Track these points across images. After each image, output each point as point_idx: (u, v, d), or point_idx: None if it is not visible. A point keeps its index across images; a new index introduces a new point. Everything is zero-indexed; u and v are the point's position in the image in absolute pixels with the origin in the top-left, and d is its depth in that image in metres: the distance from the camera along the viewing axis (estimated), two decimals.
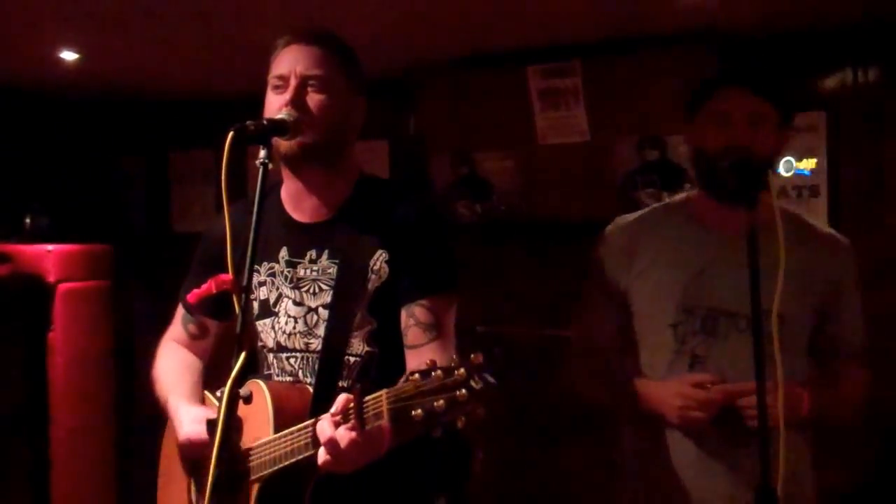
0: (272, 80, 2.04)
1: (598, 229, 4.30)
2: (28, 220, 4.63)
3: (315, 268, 2.06)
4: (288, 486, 1.85)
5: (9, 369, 4.00)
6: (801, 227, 2.25)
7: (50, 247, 4.08)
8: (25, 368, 4.02)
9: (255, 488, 1.88)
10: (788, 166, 3.92)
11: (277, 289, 2.11)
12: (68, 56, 4.22)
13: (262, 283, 2.13)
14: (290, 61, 2.02)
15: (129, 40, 3.97)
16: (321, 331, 2.03)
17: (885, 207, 3.87)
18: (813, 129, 3.92)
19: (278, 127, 1.87)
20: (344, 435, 1.65)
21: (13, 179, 4.98)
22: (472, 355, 1.51)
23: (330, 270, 2.04)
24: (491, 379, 1.48)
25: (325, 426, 1.69)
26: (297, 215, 2.13)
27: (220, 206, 1.80)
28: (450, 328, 1.99)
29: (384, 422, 1.57)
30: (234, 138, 1.75)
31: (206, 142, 5.20)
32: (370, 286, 2.00)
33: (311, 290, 2.06)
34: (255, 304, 2.14)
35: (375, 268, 2.00)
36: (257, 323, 2.14)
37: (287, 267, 2.10)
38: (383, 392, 1.58)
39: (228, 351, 1.71)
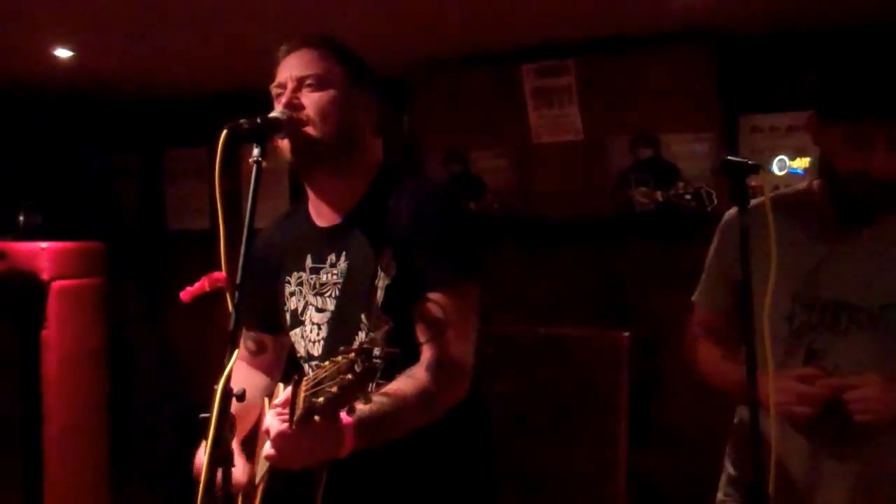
0: (273, 90, 2.04)
1: (591, 227, 4.36)
2: (21, 218, 4.63)
3: (335, 271, 2.04)
4: (294, 487, 1.85)
5: (2, 367, 4.00)
6: None
7: (43, 244, 4.07)
8: (19, 366, 4.02)
9: (259, 490, 1.89)
10: (782, 165, 3.92)
11: (304, 297, 2.10)
12: (62, 53, 4.21)
13: (291, 294, 2.13)
14: (287, 68, 2.03)
15: (123, 38, 3.96)
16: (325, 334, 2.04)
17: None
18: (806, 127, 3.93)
19: (272, 125, 1.87)
20: (276, 427, 1.69)
21: (6, 177, 4.98)
22: (371, 335, 1.53)
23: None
24: (376, 361, 1.48)
25: (266, 422, 1.72)
26: (318, 221, 2.13)
27: (214, 203, 1.81)
28: (460, 321, 1.92)
29: (300, 411, 1.59)
30: (227, 136, 1.75)
31: (201, 139, 5.20)
32: (379, 285, 1.95)
33: (333, 295, 2.04)
34: (287, 316, 2.14)
35: (384, 265, 1.95)
36: (290, 334, 2.15)
37: (311, 274, 2.09)
38: (303, 381, 1.61)
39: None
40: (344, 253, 2.04)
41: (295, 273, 2.13)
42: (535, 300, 4.55)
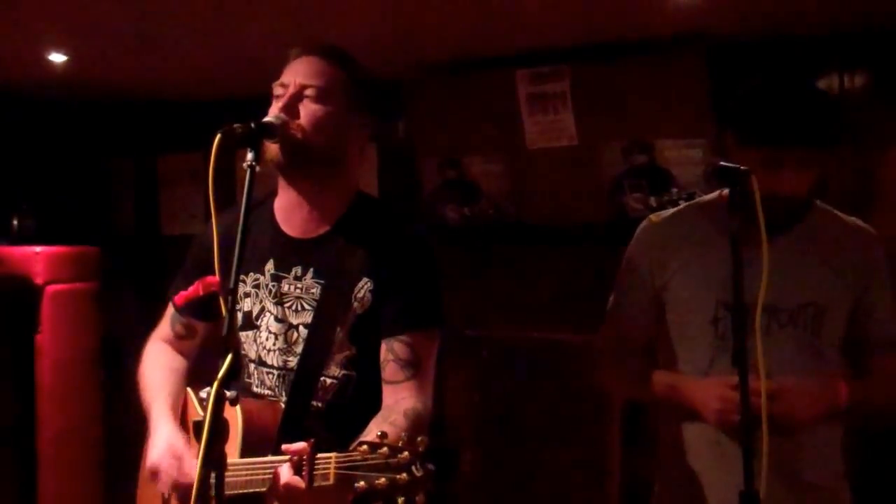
0: (274, 88, 2.05)
1: (585, 233, 4.37)
2: (16, 222, 4.63)
3: (299, 285, 2.06)
4: None
5: None
6: (826, 216, 2.28)
7: (38, 248, 4.07)
8: (12, 370, 4.02)
9: None
10: None
11: (261, 302, 2.11)
12: (57, 58, 4.21)
13: (246, 294, 2.13)
14: (293, 71, 2.03)
15: (117, 42, 3.96)
16: (299, 349, 2.04)
17: (871, 213, 3.89)
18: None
19: (265, 129, 1.87)
20: (290, 482, 1.70)
21: (0, 181, 4.97)
22: (419, 438, 1.56)
23: (313, 290, 2.05)
24: (431, 467, 1.53)
25: (283, 472, 1.73)
26: (286, 228, 2.13)
27: (208, 208, 1.80)
28: (429, 366, 2.01)
29: (330, 483, 1.62)
30: (221, 141, 1.74)
31: (195, 144, 5.18)
32: (352, 313, 2.01)
33: (294, 307, 2.06)
34: (239, 315, 2.13)
35: (359, 296, 2.01)
36: (241, 333, 2.14)
37: (272, 281, 2.10)
38: (333, 455, 1.63)
39: (212, 352, 1.73)
40: (312, 269, 2.06)
41: (251, 274, 2.13)
42: (530, 305, 4.56)
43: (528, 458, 4.44)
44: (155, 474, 2.01)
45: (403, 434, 1.59)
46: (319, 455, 1.66)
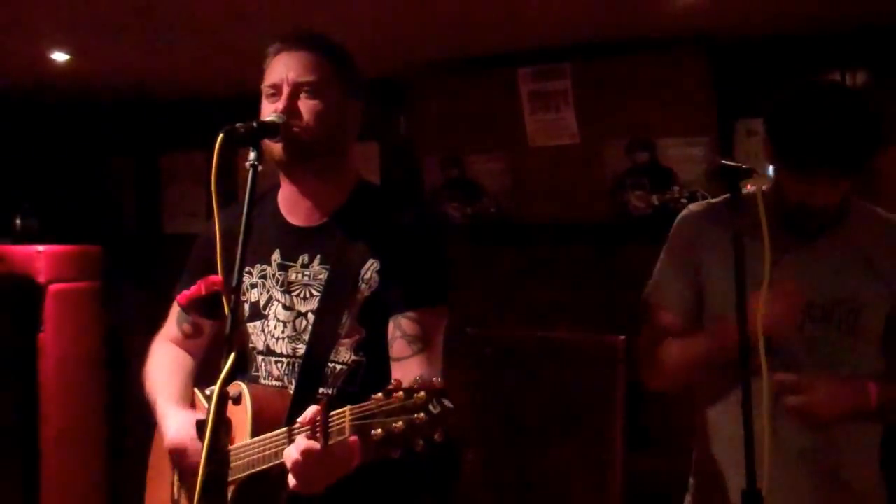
0: (265, 89, 2.03)
1: (587, 231, 4.37)
2: (18, 221, 4.63)
3: (307, 272, 2.06)
4: (265, 489, 1.85)
5: None
6: (867, 216, 2.25)
7: (40, 247, 4.07)
8: (16, 369, 4.02)
9: (230, 490, 1.88)
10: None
11: (268, 292, 2.11)
12: (59, 57, 4.21)
13: (253, 286, 2.13)
14: (282, 69, 2.01)
15: (120, 41, 3.97)
16: (308, 336, 2.04)
17: None
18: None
19: (268, 129, 1.87)
20: (307, 448, 1.67)
21: (3, 180, 4.98)
22: (434, 380, 1.53)
23: (321, 276, 2.04)
24: (449, 404, 1.49)
25: (298, 441, 1.70)
26: (291, 218, 2.13)
27: (210, 207, 1.81)
28: (437, 342, 1.99)
29: (347, 437, 1.59)
30: (224, 140, 1.75)
31: (197, 143, 5.20)
32: (360, 295, 2.00)
33: (302, 295, 2.06)
34: (246, 307, 2.13)
35: (366, 277, 2.00)
36: (248, 325, 2.14)
37: (279, 270, 2.10)
38: (347, 408, 1.60)
39: (220, 350, 1.73)
40: (318, 256, 2.06)
41: (258, 265, 2.13)
42: (532, 303, 4.56)
43: (529, 458, 4.44)
44: (181, 452, 2.00)
45: (417, 377, 1.56)
46: (333, 413, 1.62)
